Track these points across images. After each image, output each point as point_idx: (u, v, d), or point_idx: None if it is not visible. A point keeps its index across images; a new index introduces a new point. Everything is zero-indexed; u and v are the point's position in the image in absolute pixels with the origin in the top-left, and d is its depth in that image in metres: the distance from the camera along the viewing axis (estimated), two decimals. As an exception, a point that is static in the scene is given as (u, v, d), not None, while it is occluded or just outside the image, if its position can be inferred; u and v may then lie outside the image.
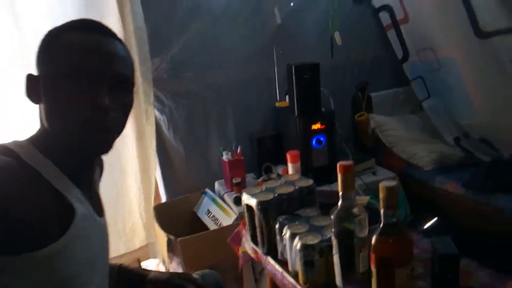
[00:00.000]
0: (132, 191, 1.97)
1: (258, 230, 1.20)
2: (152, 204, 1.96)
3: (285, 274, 1.12)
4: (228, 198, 1.91)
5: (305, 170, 1.84)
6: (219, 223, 1.80)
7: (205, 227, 1.88)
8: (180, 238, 1.59)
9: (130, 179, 1.95)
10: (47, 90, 0.69)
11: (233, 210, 1.79)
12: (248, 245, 1.33)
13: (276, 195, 1.18)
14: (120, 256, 2.01)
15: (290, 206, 1.19)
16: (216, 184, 2.10)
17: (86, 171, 0.77)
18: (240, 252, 1.45)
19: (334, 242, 0.91)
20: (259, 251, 1.23)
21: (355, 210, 0.88)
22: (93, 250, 0.73)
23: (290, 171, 1.44)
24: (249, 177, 2.09)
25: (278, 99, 2.13)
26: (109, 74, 0.69)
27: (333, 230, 0.91)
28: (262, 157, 2.05)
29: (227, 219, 1.74)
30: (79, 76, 0.67)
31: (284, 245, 1.11)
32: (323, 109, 1.89)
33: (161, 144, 2.01)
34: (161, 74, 1.94)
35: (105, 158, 1.85)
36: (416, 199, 1.94)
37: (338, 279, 0.93)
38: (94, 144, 0.70)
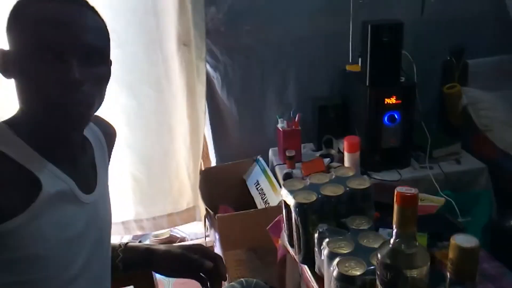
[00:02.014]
0: (180, 151, 1.86)
1: (294, 234, 1.01)
2: (199, 167, 1.85)
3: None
4: (279, 172, 1.72)
5: (371, 150, 1.57)
6: (265, 199, 1.64)
7: (252, 199, 1.73)
8: (218, 215, 1.46)
9: (178, 139, 1.84)
10: (16, 65, 0.66)
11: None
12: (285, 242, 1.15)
13: (319, 196, 0.96)
14: (167, 215, 1.97)
15: (336, 211, 0.97)
16: (270, 152, 1.91)
17: (64, 148, 0.72)
18: (279, 243, 1.28)
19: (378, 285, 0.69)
20: (295, 256, 1.05)
21: (410, 256, 0.64)
22: (71, 229, 0.70)
23: (346, 162, 1.19)
24: (307, 147, 1.87)
25: (350, 61, 1.82)
26: (77, 47, 0.65)
27: (377, 273, 0.68)
28: (323, 128, 1.80)
29: (273, 198, 1.57)
30: (46, 50, 0.64)
31: (322, 261, 0.91)
32: (402, 79, 1.56)
33: (214, 105, 1.85)
34: (216, 25, 1.72)
35: (155, 114, 1.80)
36: (508, 197, 1.59)
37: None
38: (66, 120, 0.67)
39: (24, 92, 0.67)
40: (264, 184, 1.71)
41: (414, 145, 1.64)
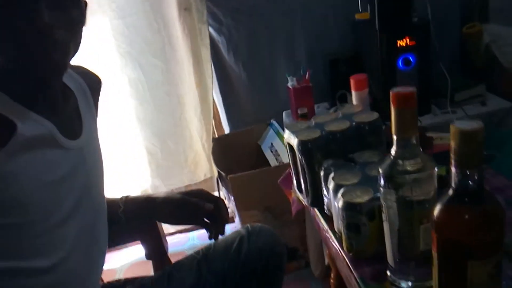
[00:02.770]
0: (192, 121, 1.84)
1: (301, 176, 0.96)
2: (211, 135, 1.82)
3: (330, 234, 0.87)
4: (293, 132, 1.66)
5: (388, 98, 1.48)
6: (280, 160, 1.59)
7: (269, 164, 1.69)
8: (230, 176, 1.42)
9: (189, 108, 1.81)
10: None
11: (296, 145, 1.54)
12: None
13: (323, 132, 0.91)
14: (185, 187, 1.95)
15: (343, 148, 0.91)
16: (284, 115, 1.85)
17: (42, 94, 0.70)
18: (292, 196, 1.23)
19: (383, 205, 0.63)
20: (304, 201, 1.00)
21: (414, 162, 0.58)
22: (53, 173, 0.68)
23: (354, 100, 1.12)
24: (321, 107, 1.80)
25: (360, 10, 1.72)
26: None
27: (381, 188, 0.62)
28: (336, 83, 1.72)
29: (287, 157, 1.51)
30: None
31: (329, 199, 0.85)
32: (415, 20, 1.46)
33: (221, 70, 1.80)
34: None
35: (163, 85, 1.77)
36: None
37: (389, 256, 0.66)
38: (39, 68, 0.64)
39: None
40: (278, 145, 1.66)
41: (434, 90, 1.54)
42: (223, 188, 1.59)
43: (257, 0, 1.72)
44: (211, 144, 1.83)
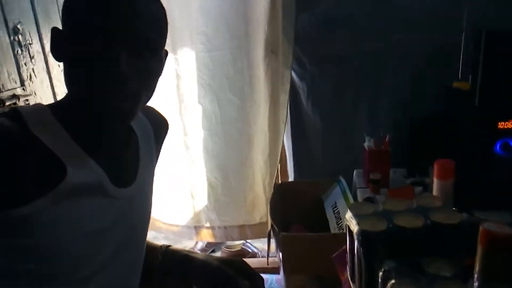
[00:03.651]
0: (257, 163, 1.79)
1: (356, 268, 0.84)
2: (274, 180, 1.74)
3: None
4: (360, 196, 1.53)
5: (478, 185, 1.30)
6: (340, 223, 1.46)
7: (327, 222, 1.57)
8: (283, 234, 1.33)
9: (257, 149, 1.77)
10: (66, 47, 0.63)
11: (360, 213, 1.41)
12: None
13: (391, 226, 0.79)
14: (239, 226, 1.90)
15: (412, 248, 0.78)
16: (355, 174, 1.72)
17: (104, 139, 0.69)
18: (345, 277, 1.11)
19: None
20: (356, 295, 0.88)
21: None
22: (94, 223, 0.66)
23: (435, 191, 0.97)
24: (398, 173, 1.64)
25: (459, 78, 1.56)
26: (128, 35, 0.60)
27: None
28: (418, 152, 1.57)
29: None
30: (95, 36, 0.59)
31: (384, 307, 0.73)
32: (524, 101, 1.27)
33: (298, 116, 1.74)
34: (307, 33, 1.62)
35: (236, 122, 1.75)
36: None
37: None
38: (108, 114, 0.63)
39: (70, 77, 0.64)
40: (341, 206, 1.54)
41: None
42: (274, 240, 1.50)
43: (347, 52, 1.64)
44: (272, 188, 1.76)
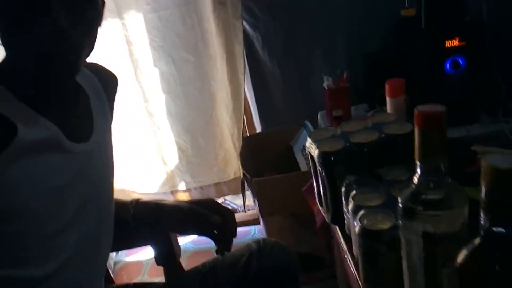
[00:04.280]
0: (223, 119, 1.79)
1: (321, 190, 0.88)
2: (242, 134, 1.76)
3: (349, 257, 0.79)
4: (326, 135, 1.56)
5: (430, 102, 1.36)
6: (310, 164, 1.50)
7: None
8: (255, 179, 1.36)
9: (220, 105, 1.77)
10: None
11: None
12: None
13: (347, 144, 0.82)
14: (214, 184, 1.93)
15: (369, 162, 0.82)
16: (319, 116, 1.75)
17: (52, 96, 0.67)
18: (316, 207, 1.15)
19: (402, 240, 0.54)
20: (325, 216, 0.92)
21: (439, 196, 0.49)
22: (54, 179, 0.65)
23: (389, 108, 1.01)
24: (359, 109, 1.68)
25: (406, 6, 1.58)
26: None
27: (399, 221, 0.53)
28: (376, 85, 1.60)
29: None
30: None
31: (349, 219, 0.77)
32: (466, 19, 1.31)
33: (255, 67, 1.74)
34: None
35: (195, 81, 1.74)
36: None
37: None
38: (51, 70, 0.61)
39: (7, 38, 0.62)
40: (309, 148, 1.58)
41: (484, 97, 1.38)
42: (249, 190, 1.53)
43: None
44: (241, 142, 1.78)
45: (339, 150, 0.81)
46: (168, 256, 0.94)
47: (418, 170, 0.50)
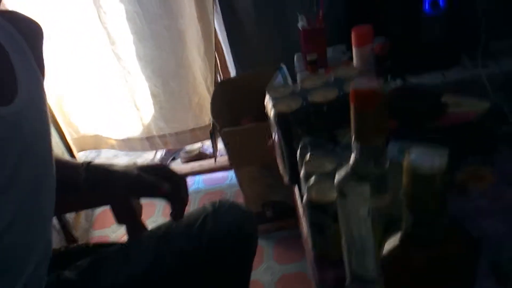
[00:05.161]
0: (195, 62, 1.70)
1: (278, 150, 0.84)
2: (214, 78, 1.68)
3: (303, 221, 0.78)
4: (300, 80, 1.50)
5: (409, 46, 1.28)
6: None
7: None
8: (224, 129, 1.32)
9: (191, 47, 1.67)
10: None
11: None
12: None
13: (304, 103, 0.77)
14: (189, 130, 1.89)
15: (328, 121, 0.78)
16: (295, 58, 1.66)
17: None
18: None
19: (339, 213, 0.52)
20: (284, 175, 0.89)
21: (375, 179, 0.45)
22: None
23: (355, 59, 0.94)
24: (337, 50, 1.59)
25: None
26: None
27: (337, 200, 0.50)
28: (356, 23, 1.50)
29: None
30: None
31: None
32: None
33: (227, 5, 1.62)
34: None
35: (161, 20, 1.62)
36: None
37: (347, 272, 0.56)
38: None
39: None
40: (283, 94, 1.52)
41: (466, 37, 1.30)
42: (220, 140, 1.49)
43: None
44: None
45: (296, 110, 0.76)
46: (127, 217, 0.92)
47: (355, 150, 0.45)
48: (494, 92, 1.17)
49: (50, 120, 0.75)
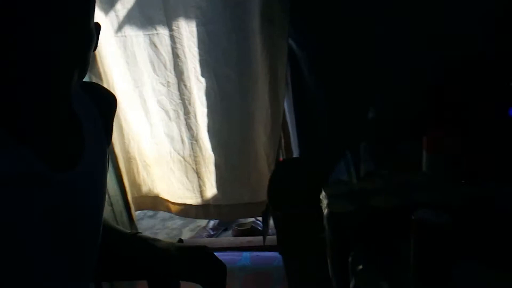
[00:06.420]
0: (259, 140, 1.73)
1: (328, 251, 0.78)
2: (276, 157, 1.68)
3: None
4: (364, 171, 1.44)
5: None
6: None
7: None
8: (276, 212, 1.27)
9: (258, 126, 1.70)
10: None
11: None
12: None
13: (361, 206, 0.72)
14: (245, 204, 1.87)
15: (386, 229, 0.71)
16: (362, 148, 1.62)
17: (39, 123, 0.60)
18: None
19: None
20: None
21: None
22: (27, 213, 0.59)
23: (424, 165, 0.87)
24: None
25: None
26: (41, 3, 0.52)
27: None
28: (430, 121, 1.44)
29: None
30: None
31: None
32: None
33: (300, 89, 1.65)
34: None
35: (234, 99, 1.69)
36: None
37: None
38: (39, 94, 0.55)
39: None
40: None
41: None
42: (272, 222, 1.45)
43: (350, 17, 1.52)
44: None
45: (351, 212, 0.71)
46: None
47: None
48: None
49: (106, 190, 0.77)
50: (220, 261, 0.76)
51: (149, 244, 0.79)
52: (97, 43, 0.64)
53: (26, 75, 0.55)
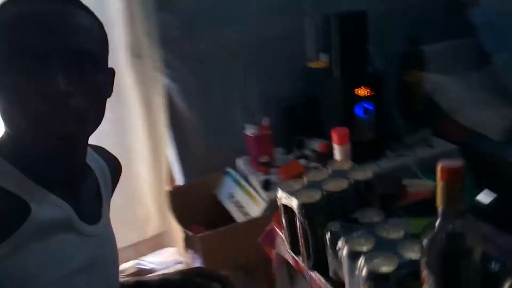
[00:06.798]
0: (141, 173, 1.70)
1: (301, 239, 0.91)
2: (165, 188, 1.69)
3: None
4: (255, 181, 1.61)
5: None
6: (244, 211, 1.52)
7: (228, 214, 1.60)
8: (199, 235, 1.32)
9: (138, 159, 1.68)
10: None
11: (261, 196, 1.50)
12: (285, 251, 1.05)
13: (324, 193, 0.88)
14: (133, 245, 1.79)
15: (343, 208, 0.88)
16: (239, 162, 1.80)
17: (61, 173, 0.61)
18: (274, 254, 1.17)
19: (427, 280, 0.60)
20: (302, 264, 0.95)
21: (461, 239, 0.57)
22: (68, 264, 0.59)
23: (338, 155, 1.12)
24: (277, 152, 1.78)
25: (308, 59, 1.77)
26: (62, 51, 0.54)
27: (425, 262, 0.60)
28: (292, 130, 1.74)
29: (254, 208, 1.46)
30: (23, 58, 0.52)
31: (340, 263, 0.81)
32: (370, 70, 1.54)
33: (174, 118, 1.71)
34: (170, 33, 1.59)
35: (108, 135, 1.62)
36: (479, 176, 1.61)
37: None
38: (52, 141, 0.55)
39: (3, 109, 0.55)
40: (240, 196, 1.60)
41: (388, 136, 1.62)
42: (188, 247, 1.46)
43: (211, 47, 1.68)
44: (163, 197, 1.70)
45: (319, 200, 0.85)
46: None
47: (440, 216, 0.57)
48: (423, 173, 1.45)
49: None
50: (220, 273, 0.80)
51: (139, 281, 0.78)
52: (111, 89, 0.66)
53: (46, 120, 0.54)
